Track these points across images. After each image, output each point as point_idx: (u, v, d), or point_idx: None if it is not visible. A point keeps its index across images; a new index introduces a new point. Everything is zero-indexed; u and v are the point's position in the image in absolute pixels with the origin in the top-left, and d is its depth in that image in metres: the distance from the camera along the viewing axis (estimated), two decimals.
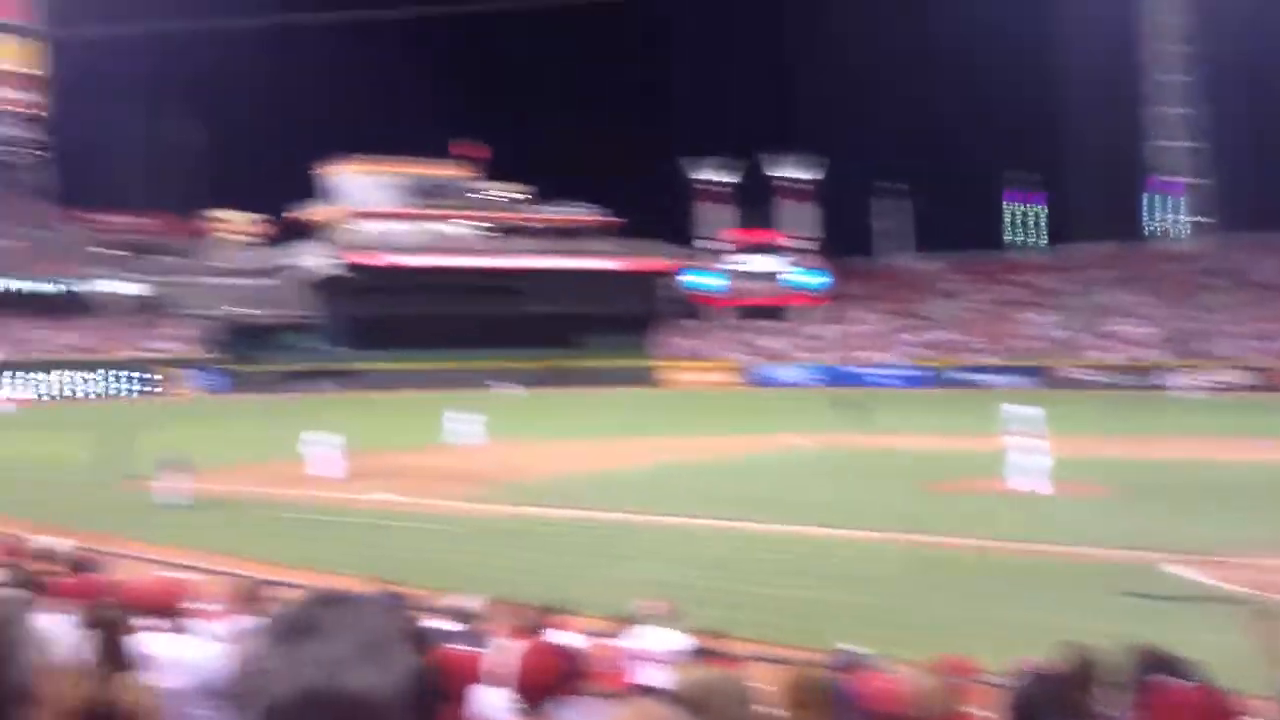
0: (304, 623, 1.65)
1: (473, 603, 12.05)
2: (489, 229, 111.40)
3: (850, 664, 9.76)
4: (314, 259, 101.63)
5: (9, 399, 70.83)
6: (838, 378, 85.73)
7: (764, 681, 9.07)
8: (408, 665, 1.68)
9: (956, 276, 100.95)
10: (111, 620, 5.96)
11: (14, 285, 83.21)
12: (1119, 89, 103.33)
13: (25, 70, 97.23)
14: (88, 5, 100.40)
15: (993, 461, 31.79)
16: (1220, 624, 12.10)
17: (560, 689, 5.68)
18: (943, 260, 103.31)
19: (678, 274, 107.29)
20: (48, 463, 40.68)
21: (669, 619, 12.45)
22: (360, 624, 1.66)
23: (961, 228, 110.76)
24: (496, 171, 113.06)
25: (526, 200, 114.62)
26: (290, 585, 16.58)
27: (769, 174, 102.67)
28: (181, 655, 6.16)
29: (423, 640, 8.26)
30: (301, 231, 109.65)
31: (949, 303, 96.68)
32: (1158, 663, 6.56)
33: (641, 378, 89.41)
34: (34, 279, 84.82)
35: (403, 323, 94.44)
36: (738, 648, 12.68)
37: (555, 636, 11.22)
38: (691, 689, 4.09)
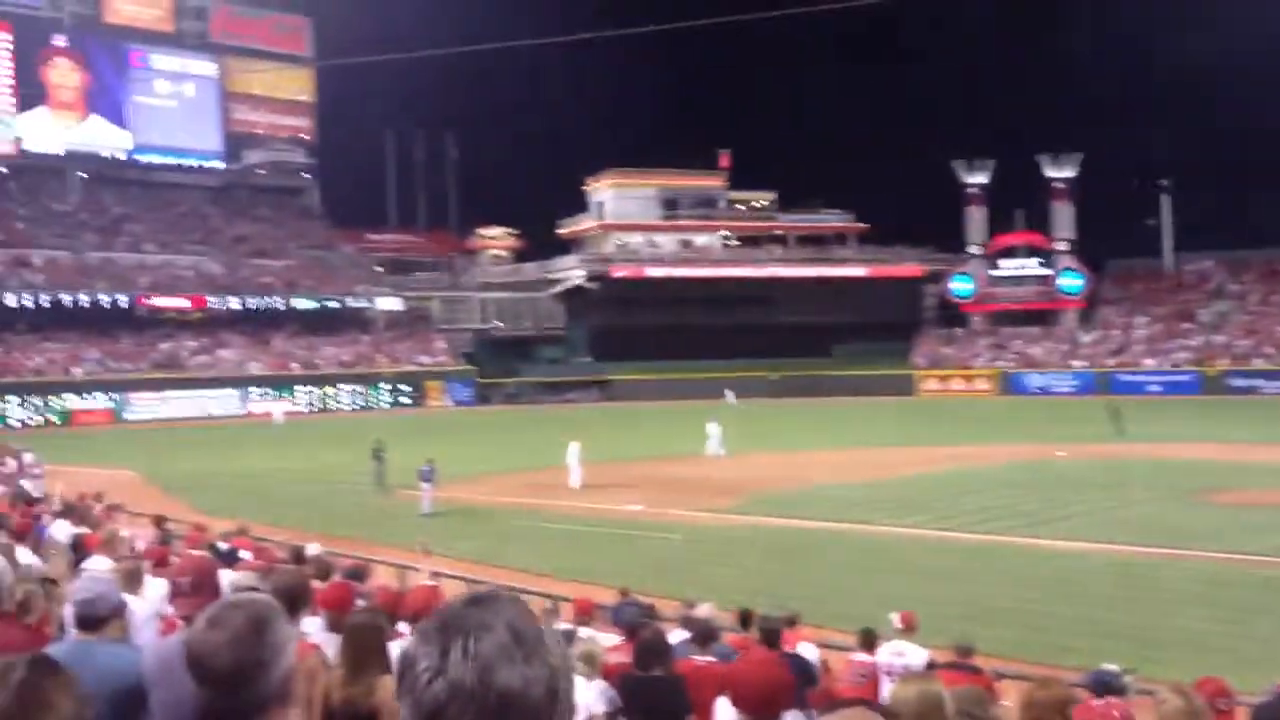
0: (455, 622, 1.72)
1: (716, 613, 12.08)
2: (738, 237, 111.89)
3: (1105, 684, 9.36)
4: (570, 272, 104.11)
5: (280, 412, 75.67)
6: (1101, 384, 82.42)
7: (1009, 698, 8.76)
8: (553, 663, 1.74)
9: (1226, 276, 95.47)
10: (370, 625, 6.23)
11: (279, 301, 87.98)
12: None
13: (298, 98, 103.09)
14: (351, 33, 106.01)
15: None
16: None
17: (788, 701, 5.61)
18: (1210, 259, 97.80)
19: (931, 279, 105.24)
20: (313, 473, 42.79)
21: (913, 633, 12.21)
22: (507, 622, 1.72)
23: (1229, 225, 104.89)
24: (740, 178, 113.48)
25: (772, 206, 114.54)
26: (537, 593, 16.97)
27: (1025, 173, 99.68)
28: None
29: (665, 652, 8.32)
30: (560, 245, 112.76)
31: (1220, 304, 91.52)
32: None
33: (896, 386, 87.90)
34: (305, 295, 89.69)
35: (655, 334, 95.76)
36: (983, 663, 12.34)
37: (801, 648, 11.17)
38: (901, 701, 4.10)
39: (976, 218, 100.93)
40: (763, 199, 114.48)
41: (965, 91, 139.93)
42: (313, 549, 13.49)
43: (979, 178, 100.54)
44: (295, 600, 6.52)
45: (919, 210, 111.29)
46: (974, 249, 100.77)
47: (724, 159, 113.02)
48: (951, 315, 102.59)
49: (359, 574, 10.26)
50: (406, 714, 1.71)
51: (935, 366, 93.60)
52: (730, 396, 77.85)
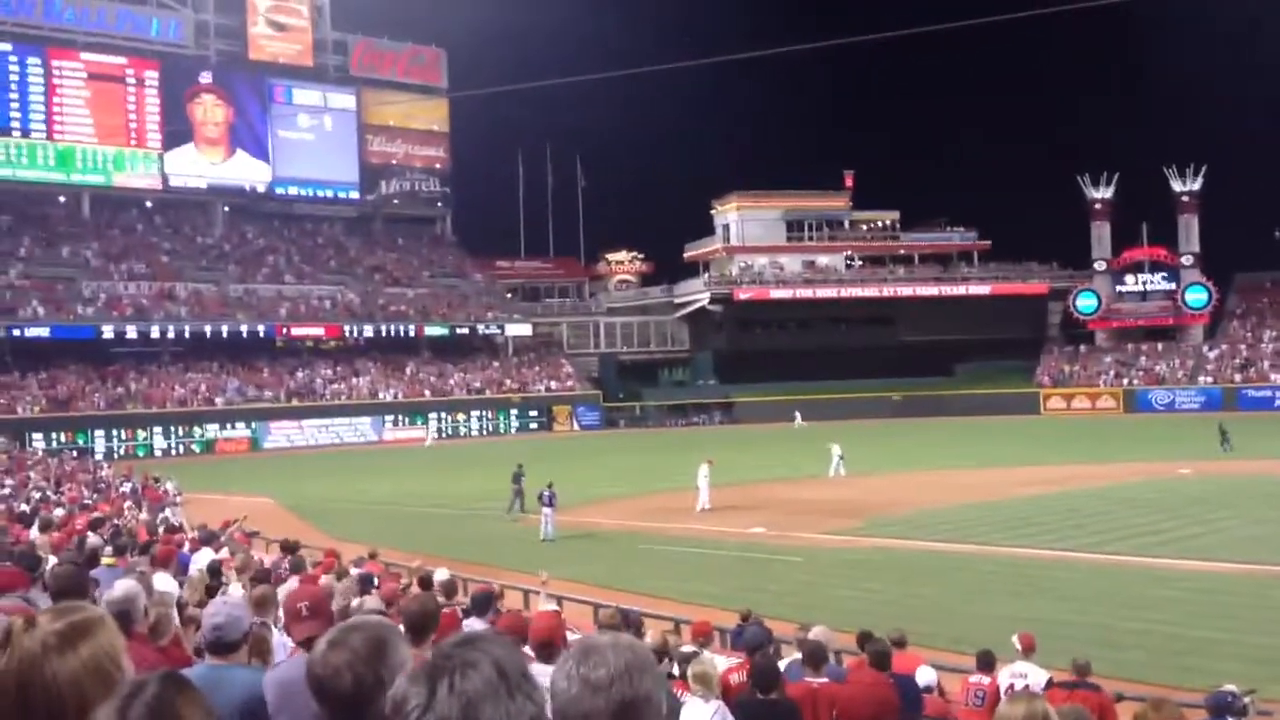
0: (442, 660, 1.87)
1: (831, 635, 12.24)
2: (862, 258, 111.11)
3: (1225, 705, 9.37)
4: (695, 295, 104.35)
5: (432, 436, 78.97)
6: (1228, 400, 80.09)
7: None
8: (537, 699, 1.88)
9: None
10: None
11: (412, 329, 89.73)
12: None
13: (432, 128, 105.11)
14: (481, 61, 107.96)
15: None
16: None
17: None
18: None
19: (1055, 296, 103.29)
20: (443, 499, 43.61)
21: (1033, 654, 12.23)
22: (494, 660, 1.87)
23: None
24: (864, 198, 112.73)
25: (896, 226, 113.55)
26: (659, 616, 17.27)
27: (1150, 187, 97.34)
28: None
29: (776, 677, 8.55)
30: (685, 268, 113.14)
31: None
32: None
33: (1020, 405, 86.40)
34: (437, 323, 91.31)
35: (778, 355, 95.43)
36: (1106, 684, 12.31)
37: (919, 672, 11.30)
38: None
39: (1102, 233, 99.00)
40: (887, 218, 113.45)
41: (1090, 106, 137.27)
42: (441, 574, 13.94)
43: (1104, 192, 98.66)
44: (424, 624, 6.89)
45: (1043, 227, 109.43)
46: (1099, 265, 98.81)
47: (848, 179, 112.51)
48: (1076, 332, 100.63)
49: (488, 598, 10.61)
50: None
51: (1059, 384, 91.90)
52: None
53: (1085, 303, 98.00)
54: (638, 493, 42.26)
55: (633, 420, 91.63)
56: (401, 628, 6.48)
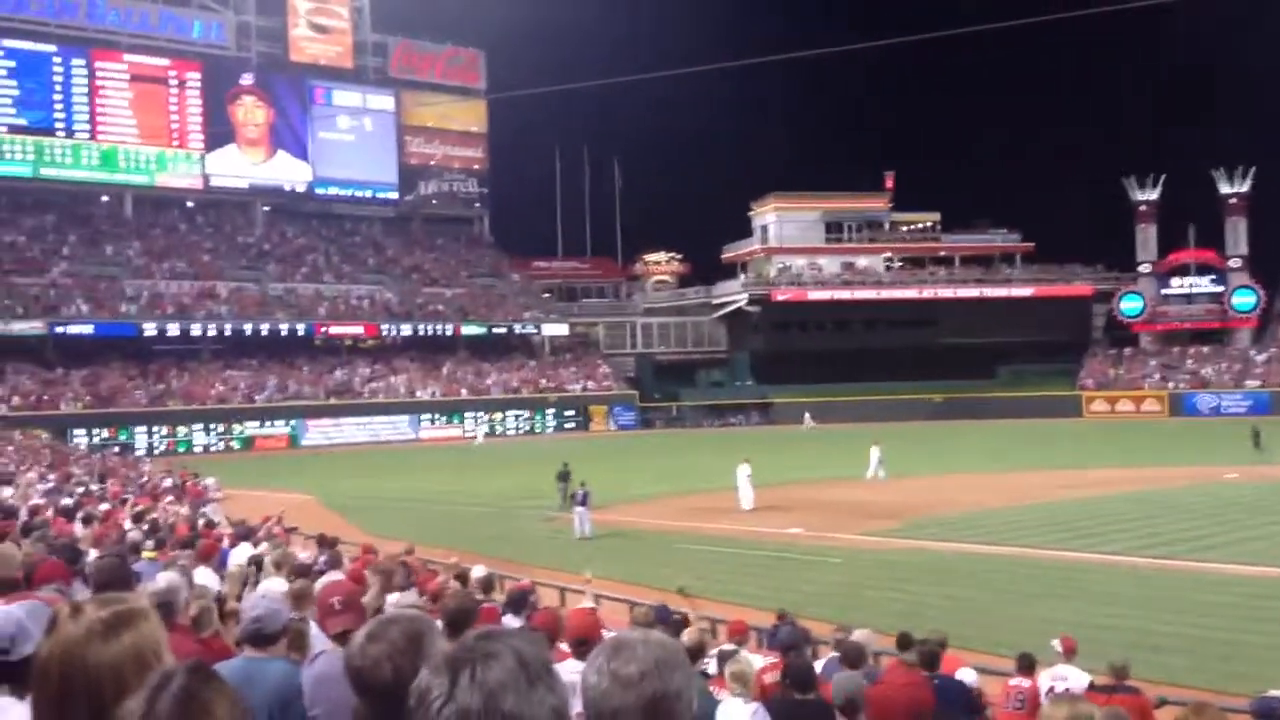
0: (464, 653, 1.89)
1: (872, 637, 12.17)
2: (902, 259, 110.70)
3: (1270, 710, 9.22)
4: (733, 296, 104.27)
5: (481, 435, 79.75)
6: (1276, 404, 79.23)
7: None
8: (559, 690, 1.89)
9: None
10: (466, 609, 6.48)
11: (449, 328, 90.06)
12: None
13: (471, 129, 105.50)
14: (518, 62, 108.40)
15: None
16: None
17: None
18: None
19: (1099, 298, 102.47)
20: (481, 497, 43.71)
21: (1074, 657, 12.12)
22: (514, 651, 1.88)
23: None
24: (904, 199, 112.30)
25: (937, 227, 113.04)
26: (698, 616, 17.21)
27: (1197, 189, 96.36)
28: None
29: (810, 677, 8.49)
30: (723, 269, 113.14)
31: None
32: None
33: (1062, 408, 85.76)
34: (474, 323, 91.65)
35: (816, 356, 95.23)
36: (1149, 688, 12.18)
37: (960, 674, 11.21)
38: None
39: (1147, 235, 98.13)
40: (927, 220, 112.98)
41: (1135, 107, 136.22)
42: (478, 571, 13.93)
43: (1150, 194, 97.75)
44: (462, 620, 6.91)
45: (1087, 228, 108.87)
46: (1144, 267, 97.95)
47: (888, 180, 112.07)
48: (1120, 335, 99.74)
49: (523, 596, 10.60)
50: None
51: (1103, 388, 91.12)
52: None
53: (1130, 305, 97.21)
54: (675, 493, 42.20)
55: (669, 420, 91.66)
56: (439, 623, 6.49)
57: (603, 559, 26.40)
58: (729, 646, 10.90)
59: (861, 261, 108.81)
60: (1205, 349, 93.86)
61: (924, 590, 22.94)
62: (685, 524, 33.77)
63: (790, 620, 15.18)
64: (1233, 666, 16.28)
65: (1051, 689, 11.24)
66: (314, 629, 6.57)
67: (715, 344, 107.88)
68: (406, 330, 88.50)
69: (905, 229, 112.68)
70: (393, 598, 10.51)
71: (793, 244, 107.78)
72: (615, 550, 29.26)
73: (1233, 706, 9.64)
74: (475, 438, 79.07)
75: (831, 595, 22.37)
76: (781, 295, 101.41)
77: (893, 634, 13.53)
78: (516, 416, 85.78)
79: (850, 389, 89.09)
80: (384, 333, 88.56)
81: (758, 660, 10.44)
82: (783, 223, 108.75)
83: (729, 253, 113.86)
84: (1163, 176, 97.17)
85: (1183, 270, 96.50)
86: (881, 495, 39.69)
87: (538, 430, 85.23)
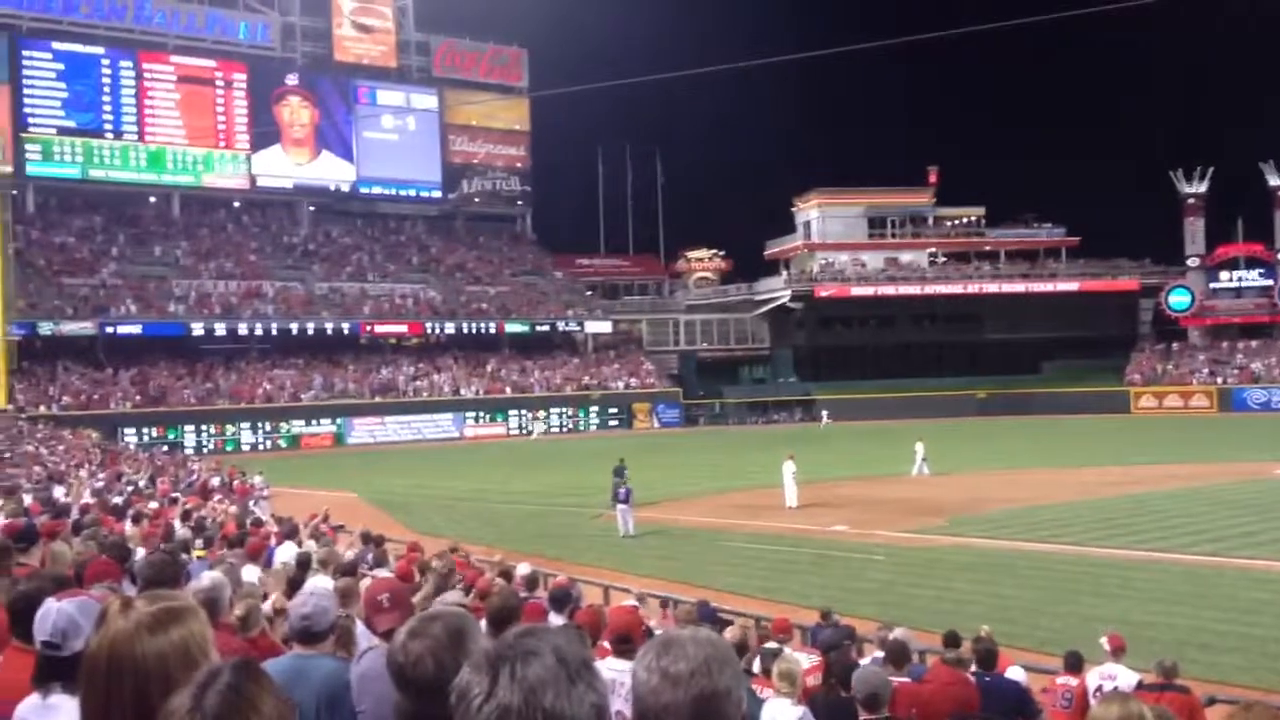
0: (504, 650, 1.91)
1: (912, 635, 12.13)
2: (946, 254, 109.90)
3: None
4: (776, 292, 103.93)
5: (538, 430, 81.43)
6: None
7: None
8: (599, 688, 1.91)
9: None
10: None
11: (492, 326, 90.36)
12: None
13: (514, 127, 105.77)
14: (560, 59, 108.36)
15: None
16: None
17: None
18: None
19: (1147, 293, 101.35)
20: (526, 494, 43.80)
21: (1123, 655, 12.02)
22: (554, 649, 1.90)
23: None
24: (949, 193, 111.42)
25: (981, 222, 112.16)
26: (739, 613, 17.21)
27: (1246, 182, 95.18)
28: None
29: (850, 676, 8.48)
30: (766, 266, 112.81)
31: None
32: None
33: (1109, 404, 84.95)
34: (517, 320, 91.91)
35: (860, 353, 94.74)
36: (1198, 687, 12.06)
37: (1009, 672, 11.15)
38: None
39: (1195, 229, 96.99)
40: (972, 214, 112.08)
41: (1183, 100, 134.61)
42: (523, 568, 14.01)
43: (1198, 187, 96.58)
44: (506, 617, 6.96)
45: (1134, 222, 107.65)
46: (1192, 261, 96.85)
47: (932, 175, 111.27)
48: (1168, 330, 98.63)
49: (566, 594, 10.63)
50: None
51: (1151, 383, 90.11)
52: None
53: (1178, 299, 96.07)
54: (719, 489, 42.20)
55: (713, 417, 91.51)
56: (483, 621, 6.53)
57: (649, 557, 26.46)
58: (772, 645, 10.89)
59: (905, 257, 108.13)
60: (1254, 343, 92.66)
61: (969, 587, 22.82)
62: (730, 521, 33.75)
63: (834, 619, 15.15)
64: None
65: (1100, 688, 11.16)
66: (360, 626, 6.63)
67: (758, 341, 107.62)
68: (450, 328, 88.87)
69: (949, 224, 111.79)
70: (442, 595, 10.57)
71: (836, 240, 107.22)
72: (661, 548, 29.27)
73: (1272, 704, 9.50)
74: (531, 433, 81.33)
75: (876, 592, 22.29)
76: (824, 291, 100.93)
77: (937, 632, 13.49)
78: (560, 414, 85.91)
79: (894, 385, 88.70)
80: (428, 331, 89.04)
81: (803, 659, 10.44)
82: (826, 218, 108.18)
83: (772, 249, 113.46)
84: (1210, 169, 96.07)
85: (1231, 264, 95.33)
86: (926, 492, 39.50)
87: (581, 428, 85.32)
